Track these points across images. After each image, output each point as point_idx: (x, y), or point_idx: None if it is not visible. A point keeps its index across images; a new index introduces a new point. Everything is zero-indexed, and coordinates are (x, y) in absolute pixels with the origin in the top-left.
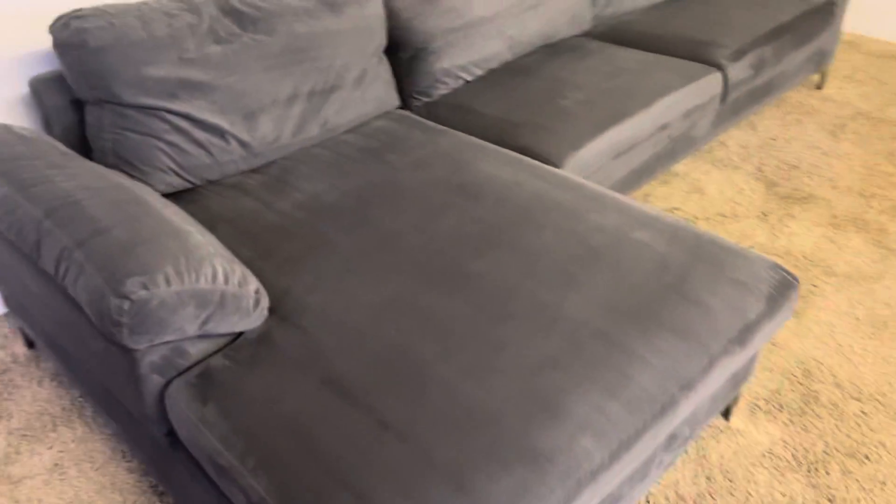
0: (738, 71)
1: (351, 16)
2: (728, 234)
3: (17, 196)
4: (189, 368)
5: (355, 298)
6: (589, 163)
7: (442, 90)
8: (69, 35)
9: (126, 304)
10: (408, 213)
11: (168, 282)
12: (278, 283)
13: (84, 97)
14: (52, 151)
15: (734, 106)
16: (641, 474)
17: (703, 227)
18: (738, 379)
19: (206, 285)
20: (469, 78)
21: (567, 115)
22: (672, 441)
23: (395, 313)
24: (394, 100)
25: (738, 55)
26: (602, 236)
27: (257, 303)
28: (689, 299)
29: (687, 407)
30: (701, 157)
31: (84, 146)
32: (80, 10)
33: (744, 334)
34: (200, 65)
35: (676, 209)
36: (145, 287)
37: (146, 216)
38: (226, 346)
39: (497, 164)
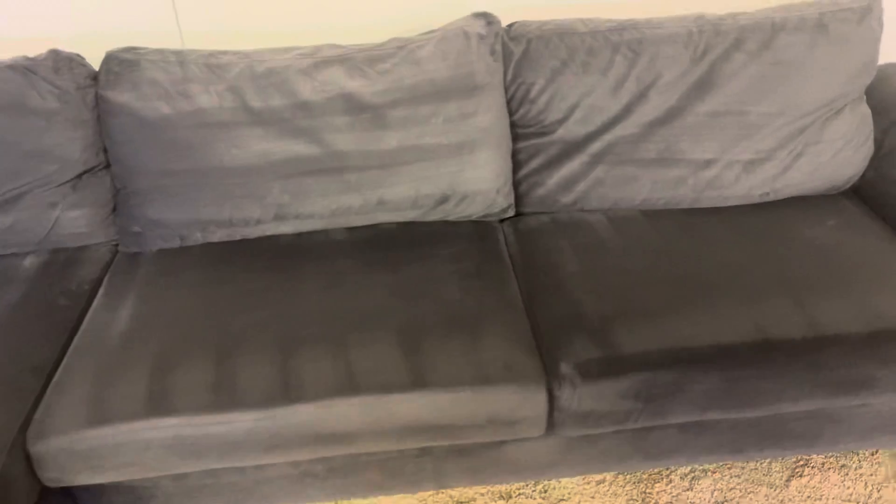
0: (586, 398)
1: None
2: None
3: None
4: None
5: None
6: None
7: (161, 244)
8: None
9: None
10: None
11: None
12: None
13: None
14: None
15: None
16: None
17: None
18: None
19: None
20: (214, 240)
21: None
22: None
23: None
24: (100, 236)
25: (604, 368)
26: None
27: None
28: None
29: None
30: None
31: None
32: None
33: None
34: None
35: None
36: None
37: None
38: None
39: None
